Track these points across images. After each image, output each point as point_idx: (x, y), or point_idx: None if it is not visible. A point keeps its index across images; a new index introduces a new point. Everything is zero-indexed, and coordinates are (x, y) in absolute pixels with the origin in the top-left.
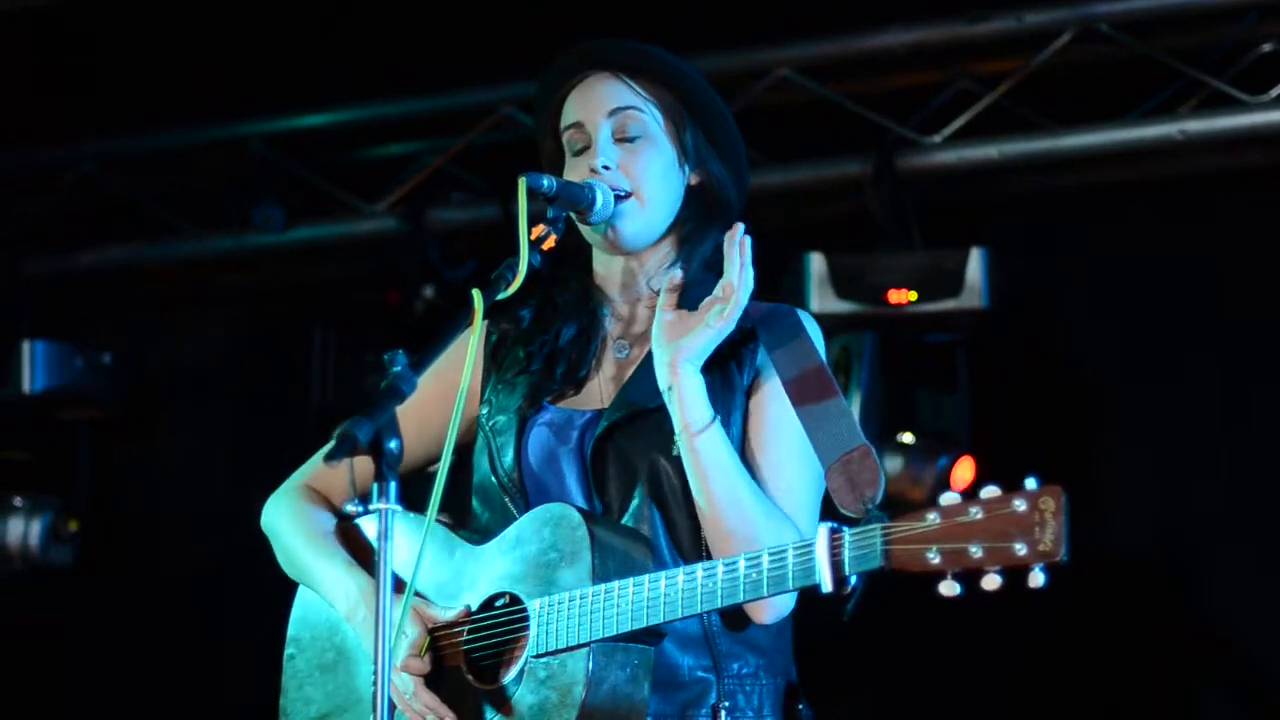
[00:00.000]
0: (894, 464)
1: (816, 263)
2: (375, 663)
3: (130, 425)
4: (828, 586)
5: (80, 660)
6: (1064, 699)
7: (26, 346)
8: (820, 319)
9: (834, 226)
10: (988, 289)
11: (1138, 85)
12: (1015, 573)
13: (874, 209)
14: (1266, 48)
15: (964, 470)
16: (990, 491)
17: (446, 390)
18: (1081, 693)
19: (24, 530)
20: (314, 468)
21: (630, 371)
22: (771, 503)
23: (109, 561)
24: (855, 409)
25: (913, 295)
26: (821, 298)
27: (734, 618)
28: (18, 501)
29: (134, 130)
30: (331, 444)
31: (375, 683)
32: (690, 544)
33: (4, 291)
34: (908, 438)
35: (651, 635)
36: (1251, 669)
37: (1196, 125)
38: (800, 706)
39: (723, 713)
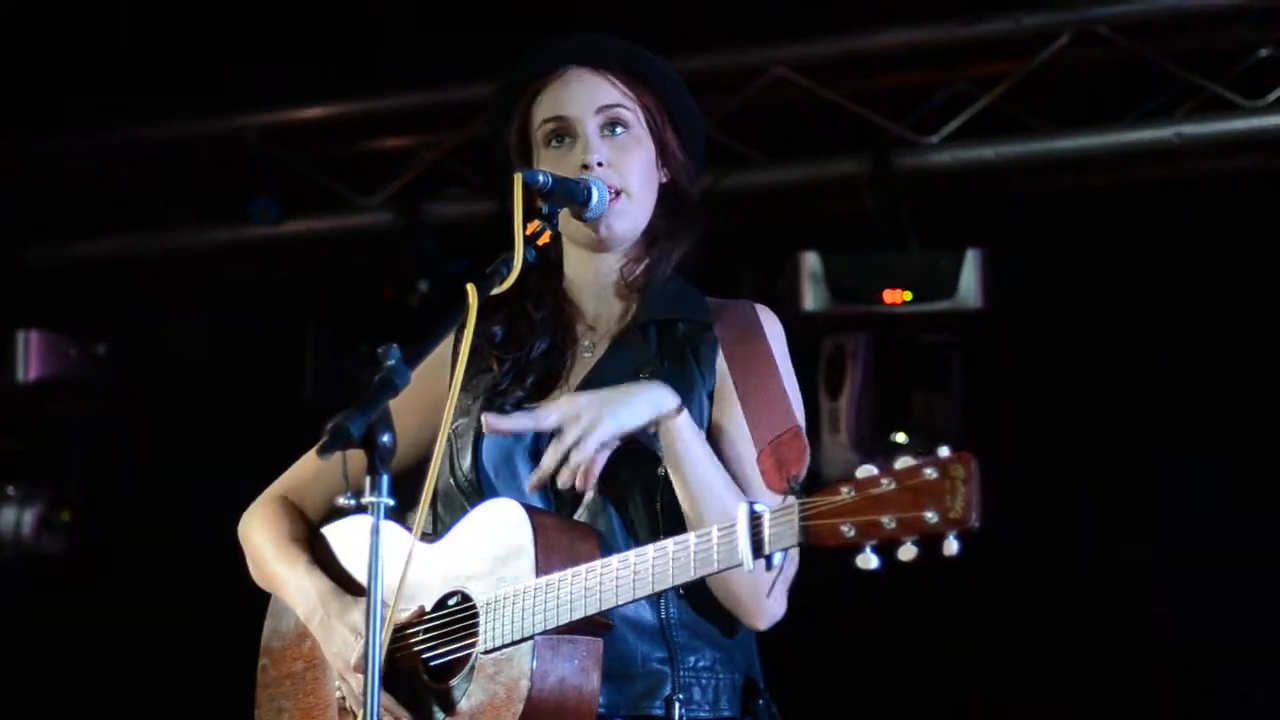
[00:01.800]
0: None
1: (811, 262)
2: (366, 660)
3: (124, 416)
4: (749, 565)
5: (71, 649)
6: (1040, 701)
7: (21, 336)
8: (814, 318)
9: (829, 226)
10: (982, 290)
11: (1135, 88)
12: (929, 541)
13: (870, 209)
14: (1264, 52)
15: None
16: (903, 462)
17: (421, 394)
18: (1057, 694)
19: (16, 519)
20: (290, 479)
21: (591, 367)
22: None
23: (101, 551)
24: (848, 408)
25: (908, 296)
26: (816, 297)
27: (691, 610)
28: (11, 491)
29: (131, 122)
30: (324, 438)
31: (365, 681)
32: (647, 535)
33: (0, 281)
34: (901, 437)
35: (599, 626)
36: (1241, 667)
37: (1193, 129)
38: (761, 702)
39: (676, 705)
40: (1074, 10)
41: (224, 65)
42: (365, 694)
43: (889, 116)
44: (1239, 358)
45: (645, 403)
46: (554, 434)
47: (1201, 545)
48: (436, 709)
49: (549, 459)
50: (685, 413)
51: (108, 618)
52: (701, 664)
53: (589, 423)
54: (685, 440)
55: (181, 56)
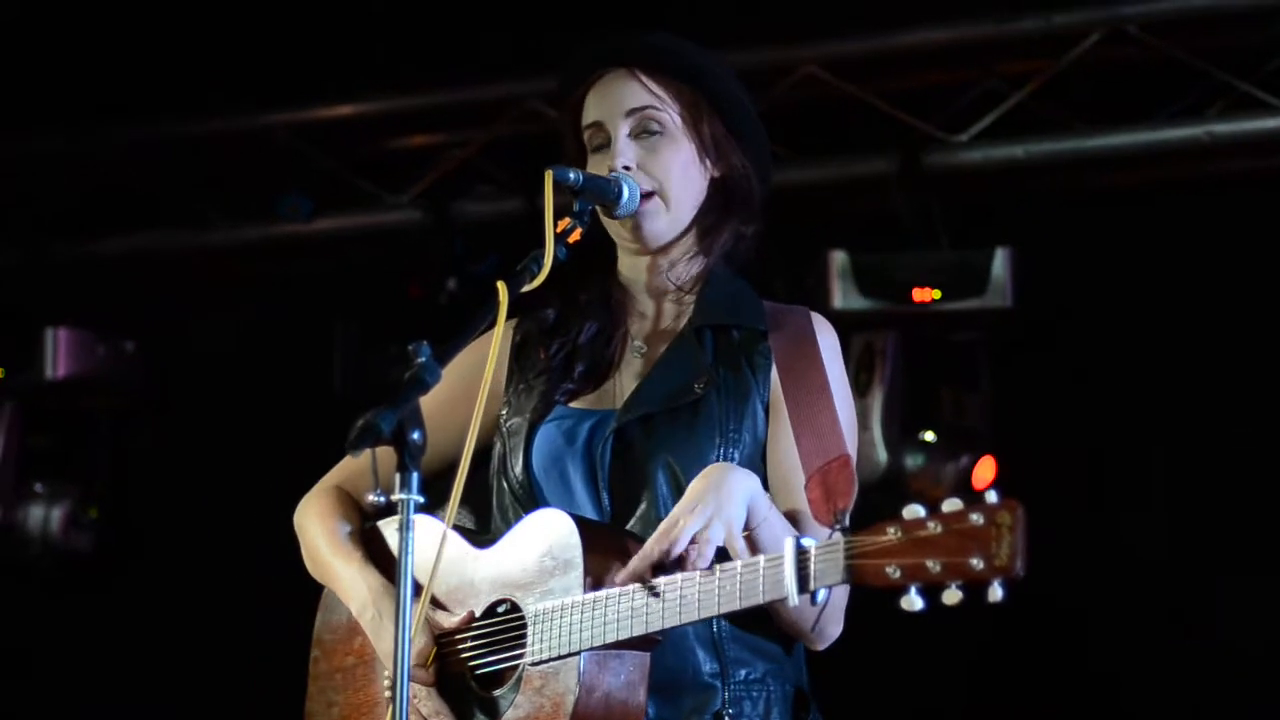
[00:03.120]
0: (915, 461)
1: (841, 260)
2: (395, 659)
3: (152, 413)
4: (794, 600)
5: (99, 646)
6: (1081, 711)
7: (50, 333)
8: (844, 316)
9: (859, 224)
10: (1012, 288)
11: (1165, 87)
12: (973, 587)
13: (899, 207)
14: None
15: (985, 469)
16: (951, 505)
17: (466, 389)
18: (1091, 695)
19: (44, 516)
20: (344, 470)
21: (647, 372)
22: None
23: (128, 549)
24: (877, 407)
25: (937, 294)
26: (845, 295)
27: (744, 623)
28: (39, 488)
29: (161, 119)
30: (354, 435)
31: (394, 681)
32: None
33: (29, 278)
34: (929, 436)
35: (648, 641)
36: (1263, 672)
37: (1223, 128)
38: (812, 715)
39: (726, 719)
40: (1105, 9)
41: (254, 63)
42: (395, 689)
43: (919, 115)
44: (1269, 355)
45: (745, 501)
46: (614, 460)
47: (1232, 544)
48: (483, 717)
49: (653, 548)
50: (762, 492)
51: (136, 614)
52: (753, 676)
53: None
54: (768, 522)
55: (211, 53)
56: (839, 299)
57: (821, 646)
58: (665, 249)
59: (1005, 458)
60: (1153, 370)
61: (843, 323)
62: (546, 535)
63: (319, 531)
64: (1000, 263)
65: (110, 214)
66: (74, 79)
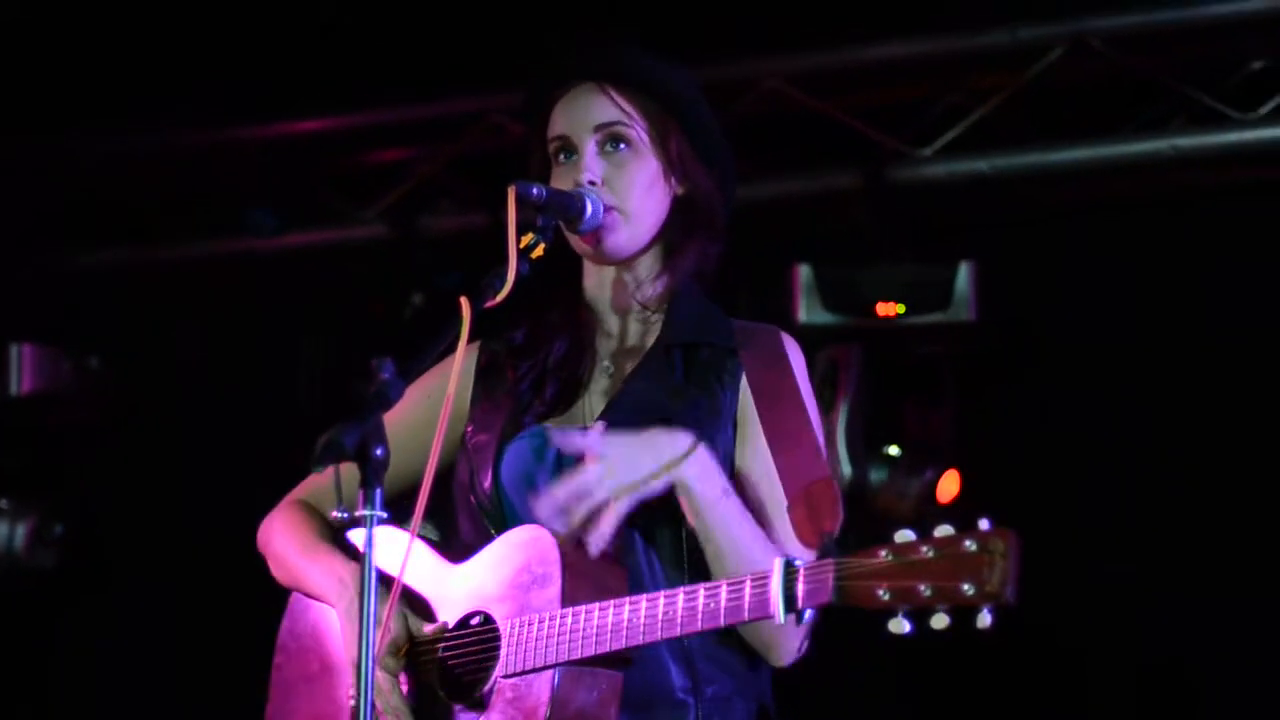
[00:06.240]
0: (879, 476)
1: (805, 275)
2: (360, 659)
3: (117, 429)
4: (780, 619)
5: (63, 664)
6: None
7: (14, 349)
8: (808, 331)
9: (823, 239)
10: (976, 303)
11: (1129, 101)
12: (963, 612)
13: (863, 221)
14: (1257, 65)
15: (949, 483)
16: (943, 531)
17: (435, 411)
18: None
19: (8, 533)
20: (308, 486)
21: (616, 389)
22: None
23: (93, 565)
24: (841, 422)
25: (901, 308)
26: (809, 310)
27: (713, 639)
28: (3, 504)
29: (128, 133)
30: (317, 451)
31: (358, 679)
32: (672, 563)
33: None
34: (894, 450)
35: (620, 660)
36: (1241, 685)
37: (1187, 141)
38: None
39: None
40: (1069, 23)
41: (220, 77)
42: (358, 683)
43: (883, 129)
44: (1235, 367)
45: (666, 466)
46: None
47: (1198, 560)
48: None
49: (563, 496)
50: (705, 468)
51: (101, 632)
52: (721, 693)
53: (612, 488)
54: (707, 502)
55: (178, 67)
56: (804, 314)
57: (788, 663)
58: (629, 265)
59: (970, 472)
60: (1118, 384)
61: (807, 337)
62: (525, 550)
63: (288, 538)
64: (964, 277)
65: (76, 228)
66: (37, 92)
